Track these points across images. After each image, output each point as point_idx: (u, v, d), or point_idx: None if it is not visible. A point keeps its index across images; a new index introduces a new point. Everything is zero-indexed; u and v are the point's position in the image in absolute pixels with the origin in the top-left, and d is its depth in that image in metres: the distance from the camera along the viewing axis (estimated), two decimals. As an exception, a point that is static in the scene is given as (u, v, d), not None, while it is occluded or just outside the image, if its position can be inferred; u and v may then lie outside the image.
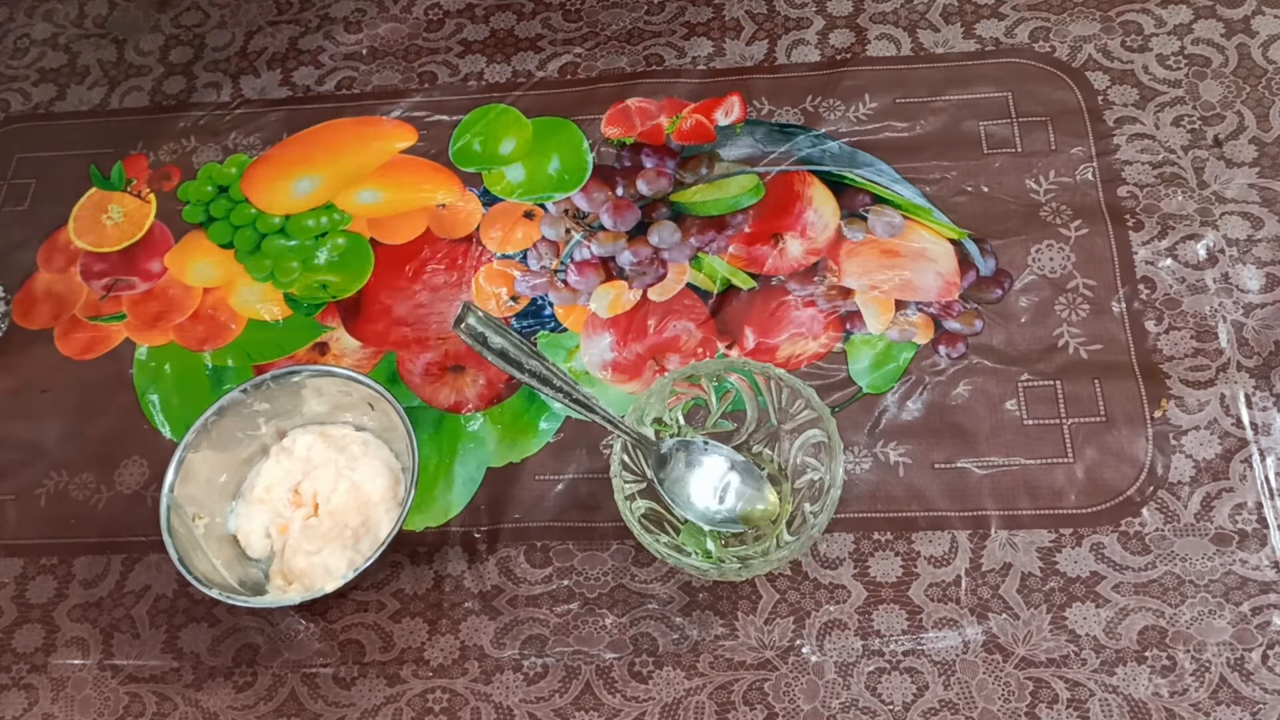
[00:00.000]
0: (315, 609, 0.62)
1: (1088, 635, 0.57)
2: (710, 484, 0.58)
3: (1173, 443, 0.61)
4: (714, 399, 0.61)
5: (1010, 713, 0.55)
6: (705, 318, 0.68)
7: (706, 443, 0.59)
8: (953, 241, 0.68)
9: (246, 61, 0.82)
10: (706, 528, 0.58)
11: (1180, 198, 0.67)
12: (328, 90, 0.80)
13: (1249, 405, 0.61)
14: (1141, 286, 0.65)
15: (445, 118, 0.77)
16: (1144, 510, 0.59)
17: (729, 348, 0.67)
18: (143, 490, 0.67)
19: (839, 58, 0.76)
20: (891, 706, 0.56)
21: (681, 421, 0.61)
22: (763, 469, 0.60)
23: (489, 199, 0.74)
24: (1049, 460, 0.61)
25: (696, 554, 0.58)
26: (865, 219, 0.69)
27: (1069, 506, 0.60)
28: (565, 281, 0.70)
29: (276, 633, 0.62)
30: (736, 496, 0.58)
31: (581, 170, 0.74)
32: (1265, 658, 0.55)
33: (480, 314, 0.54)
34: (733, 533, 0.59)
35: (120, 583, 0.64)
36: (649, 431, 0.59)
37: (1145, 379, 0.63)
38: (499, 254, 0.72)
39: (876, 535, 0.60)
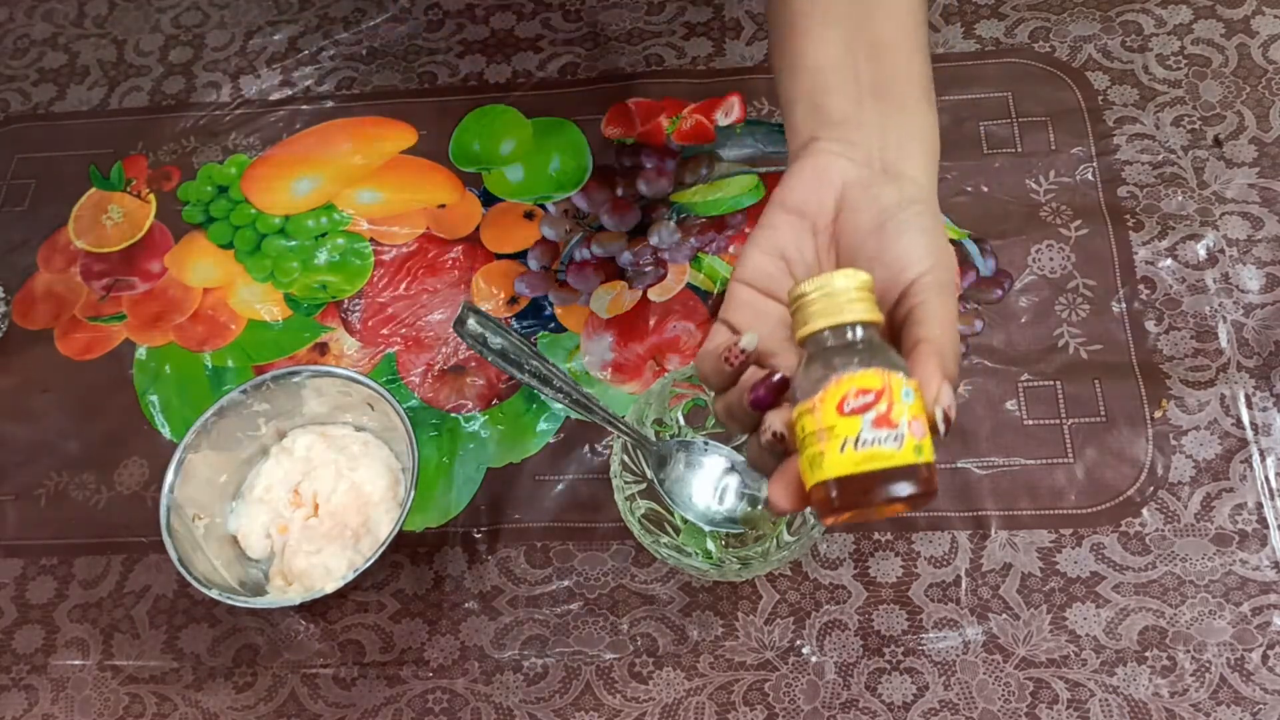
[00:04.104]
0: (315, 609, 0.62)
1: (1088, 635, 0.57)
2: (710, 484, 0.58)
3: (1173, 443, 0.61)
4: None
5: (1010, 713, 0.55)
6: (705, 318, 0.68)
7: (706, 443, 0.59)
8: (953, 241, 0.68)
9: (246, 61, 0.82)
10: (707, 528, 0.58)
11: (1180, 198, 0.67)
12: (328, 90, 0.80)
13: (1249, 405, 0.61)
14: (1141, 286, 0.65)
15: (445, 118, 0.77)
16: (1144, 510, 0.59)
17: (729, 348, 0.67)
18: (143, 490, 0.67)
19: (839, 58, 0.76)
20: (891, 706, 0.56)
21: (681, 422, 0.61)
22: (763, 469, 0.60)
23: (489, 199, 0.74)
24: (1049, 460, 0.61)
25: (697, 554, 0.58)
26: (865, 219, 0.69)
27: (1069, 506, 0.60)
28: (565, 281, 0.70)
29: (276, 633, 0.62)
30: (736, 497, 0.58)
31: (581, 170, 0.74)
32: (1265, 658, 0.55)
33: (480, 314, 0.54)
34: (733, 533, 0.59)
35: (120, 583, 0.64)
36: (649, 432, 0.59)
37: (1145, 379, 0.63)
38: (499, 254, 0.72)
39: (876, 535, 0.60)
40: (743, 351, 0.41)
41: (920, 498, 0.38)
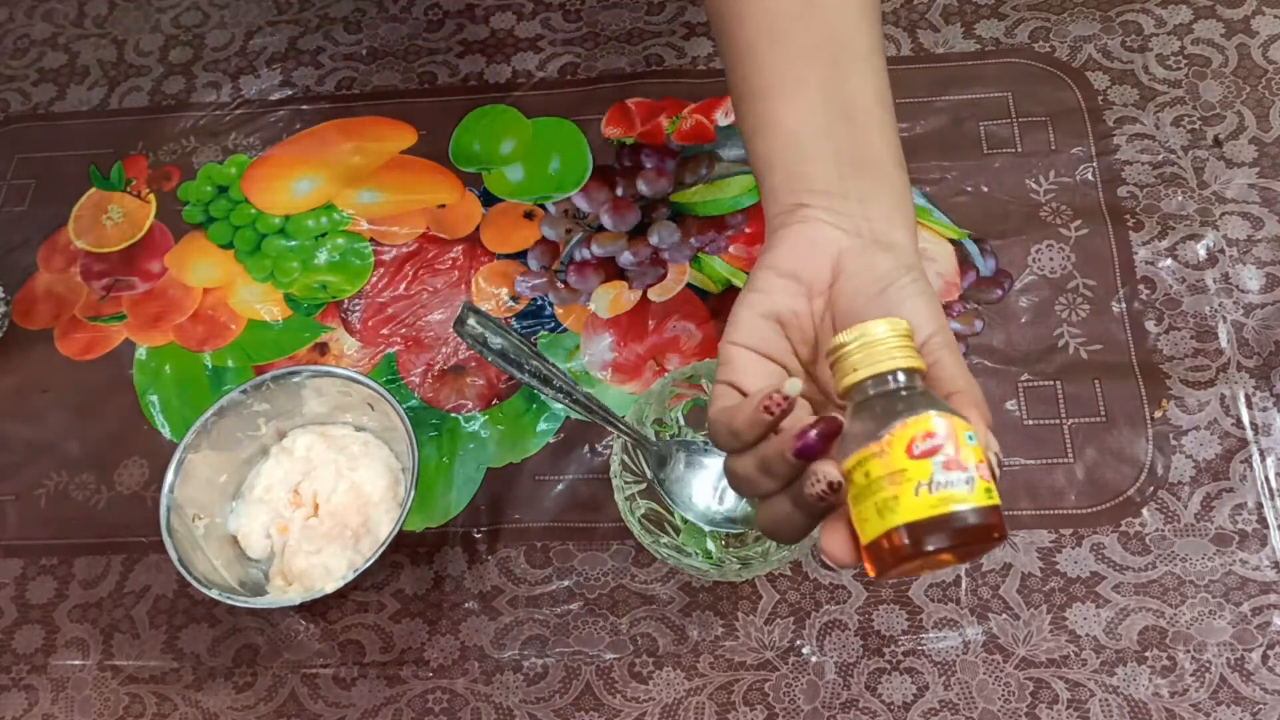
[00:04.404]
0: (315, 609, 0.62)
1: (1088, 635, 0.57)
2: (710, 484, 0.58)
3: (1173, 443, 0.61)
4: (714, 399, 0.61)
5: (1010, 713, 0.55)
6: (705, 318, 0.68)
7: (706, 443, 0.59)
8: (953, 241, 0.68)
9: (246, 61, 0.82)
10: (707, 528, 0.58)
11: (1180, 198, 0.67)
12: (327, 90, 0.80)
13: (1249, 405, 0.61)
14: (1141, 286, 0.65)
15: (445, 118, 0.77)
16: (1144, 510, 0.59)
17: (729, 348, 0.67)
18: (143, 490, 0.67)
19: (839, 58, 0.76)
20: (891, 706, 0.56)
21: (681, 422, 0.61)
22: (763, 469, 0.60)
23: (489, 199, 0.74)
24: (1049, 460, 0.61)
25: (697, 554, 0.58)
26: (865, 219, 0.69)
27: (1069, 506, 0.60)
28: (565, 282, 0.70)
29: (276, 633, 0.62)
30: (736, 497, 0.58)
31: (581, 170, 0.74)
32: (1265, 658, 0.55)
33: (480, 314, 0.54)
34: (733, 533, 0.59)
35: (120, 583, 0.64)
36: (649, 432, 0.59)
37: (1145, 379, 0.63)
38: (499, 254, 0.72)
39: (876, 535, 0.60)
40: (785, 398, 0.39)
41: (992, 541, 0.37)
